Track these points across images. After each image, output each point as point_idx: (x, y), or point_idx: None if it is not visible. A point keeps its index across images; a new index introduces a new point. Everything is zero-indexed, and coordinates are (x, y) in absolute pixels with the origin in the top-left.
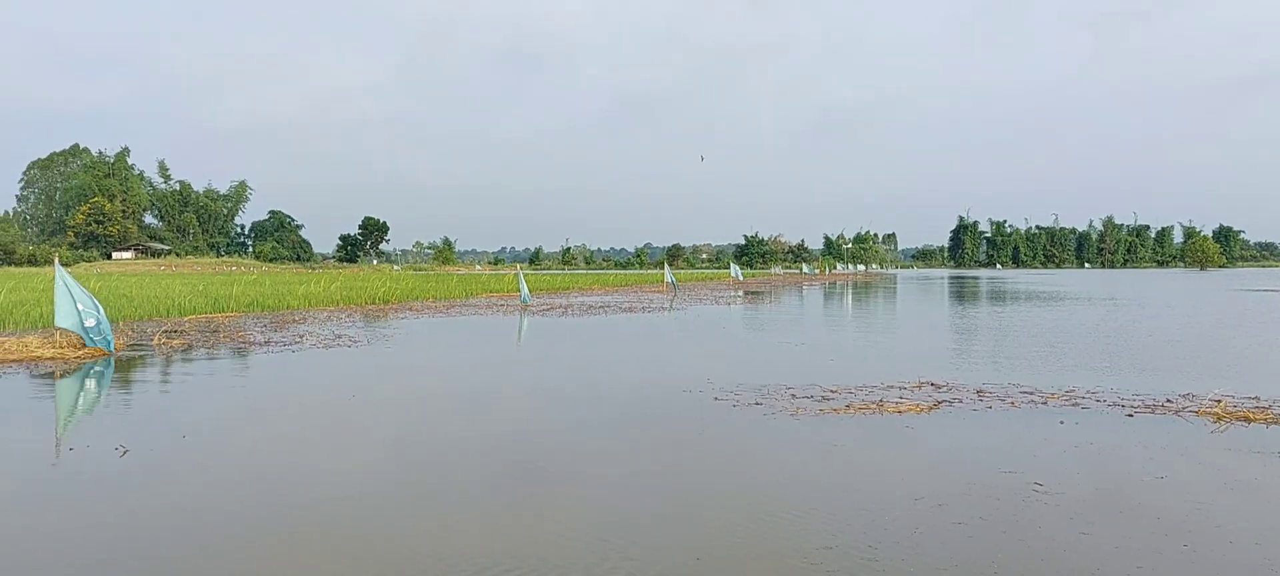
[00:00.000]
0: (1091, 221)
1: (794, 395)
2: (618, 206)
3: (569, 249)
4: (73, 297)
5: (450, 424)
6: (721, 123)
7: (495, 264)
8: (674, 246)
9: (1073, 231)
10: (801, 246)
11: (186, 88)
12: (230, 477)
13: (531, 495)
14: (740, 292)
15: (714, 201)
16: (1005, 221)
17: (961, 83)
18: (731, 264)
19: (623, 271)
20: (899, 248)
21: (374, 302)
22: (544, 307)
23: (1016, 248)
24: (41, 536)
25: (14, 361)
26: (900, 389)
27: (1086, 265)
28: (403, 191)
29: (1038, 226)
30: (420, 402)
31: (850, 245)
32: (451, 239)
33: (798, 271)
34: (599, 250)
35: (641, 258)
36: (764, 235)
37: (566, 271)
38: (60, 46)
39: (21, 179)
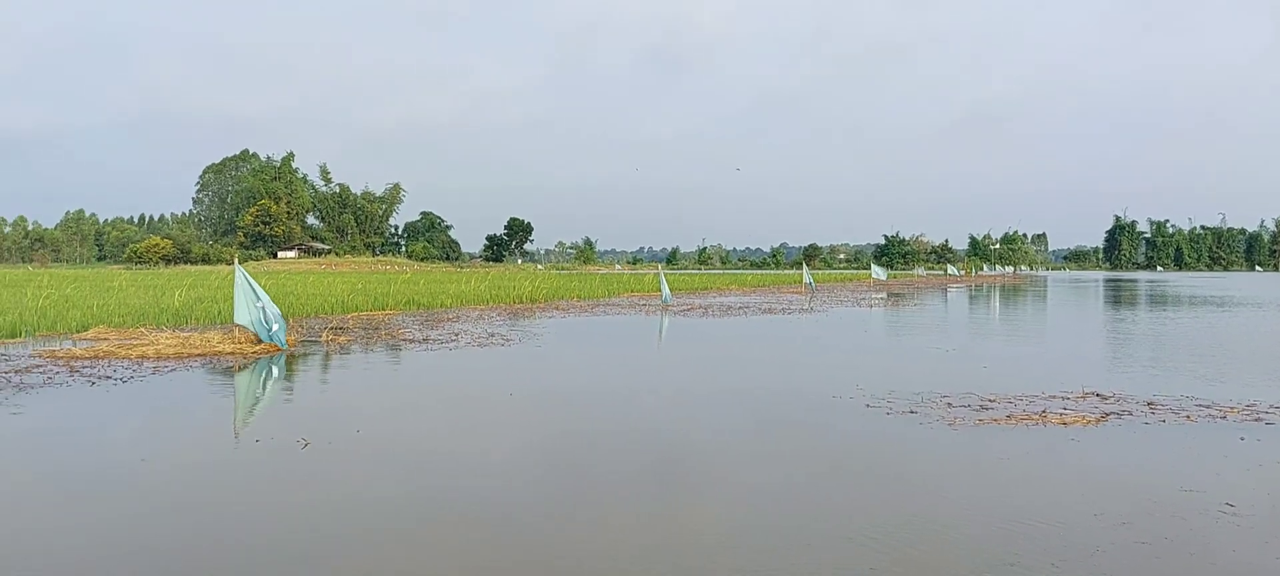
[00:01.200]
0: (1263, 221)
1: (950, 404)
2: (754, 206)
3: (705, 249)
4: (255, 295)
5: (600, 422)
6: (863, 119)
7: (634, 263)
8: (810, 246)
9: (1242, 232)
10: (945, 247)
11: (348, 96)
12: (402, 469)
13: (684, 498)
14: (882, 294)
15: (852, 201)
16: (1166, 221)
17: (1122, 73)
18: (872, 264)
19: (759, 272)
20: (1049, 248)
21: (521, 301)
22: (684, 307)
23: (1179, 249)
24: (245, 520)
25: (199, 356)
26: (1063, 399)
27: (1258, 268)
28: (546, 192)
29: (1203, 226)
30: (571, 400)
31: (997, 245)
32: (592, 239)
33: (941, 272)
34: (734, 250)
35: (778, 258)
36: (905, 235)
37: (703, 271)
38: (235, 59)
39: (197, 183)
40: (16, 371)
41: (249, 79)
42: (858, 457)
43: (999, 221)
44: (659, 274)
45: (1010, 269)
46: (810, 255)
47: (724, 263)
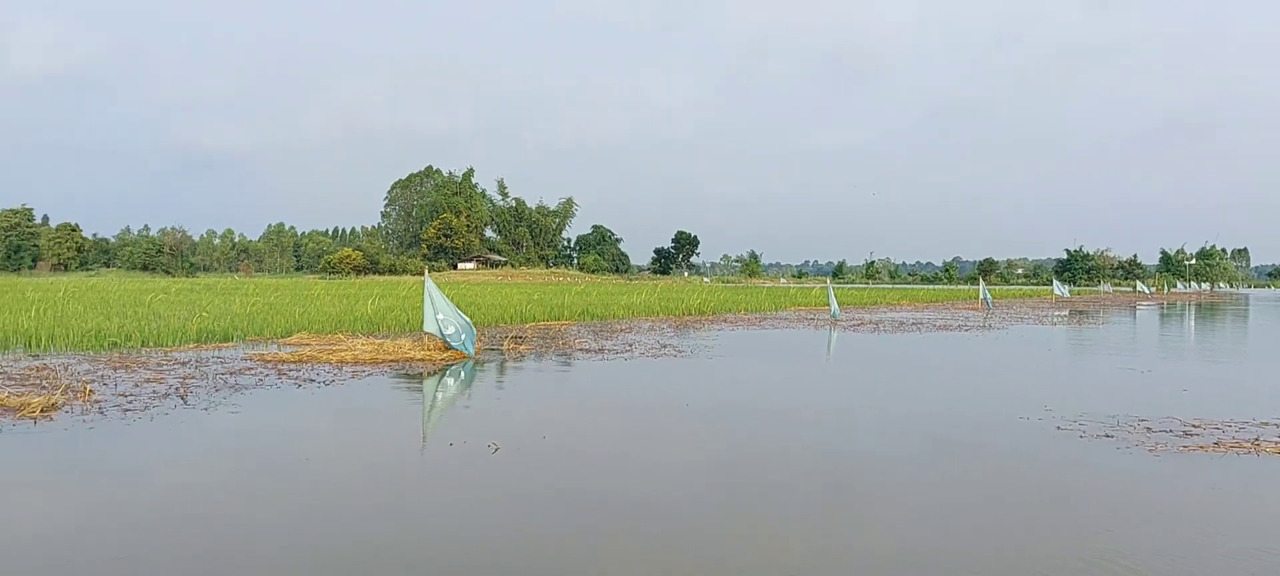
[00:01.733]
0: None
1: (1149, 428)
2: (924, 219)
3: (873, 262)
4: (435, 307)
5: (773, 436)
6: (1046, 129)
7: (799, 276)
8: (986, 261)
9: None
10: (1133, 262)
11: (526, 114)
12: (586, 475)
13: (855, 518)
14: (1064, 312)
15: (1030, 214)
16: None
17: None
18: (1053, 280)
19: (931, 287)
20: (1251, 264)
21: (689, 314)
22: (853, 322)
23: None
24: (447, 517)
25: (392, 361)
26: (1279, 426)
27: None
28: (712, 206)
29: None
30: (744, 413)
31: (1192, 261)
32: (757, 252)
33: (1130, 289)
34: (904, 264)
35: (950, 272)
36: (1089, 249)
37: (871, 286)
38: (422, 80)
39: (386, 198)
40: (232, 373)
41: (434, 99)
42: (1048, 484)
43: (1193, 236)
44: (827, 288)
45: (1206, 286)
46: (986, 270)
47: (893, 277)
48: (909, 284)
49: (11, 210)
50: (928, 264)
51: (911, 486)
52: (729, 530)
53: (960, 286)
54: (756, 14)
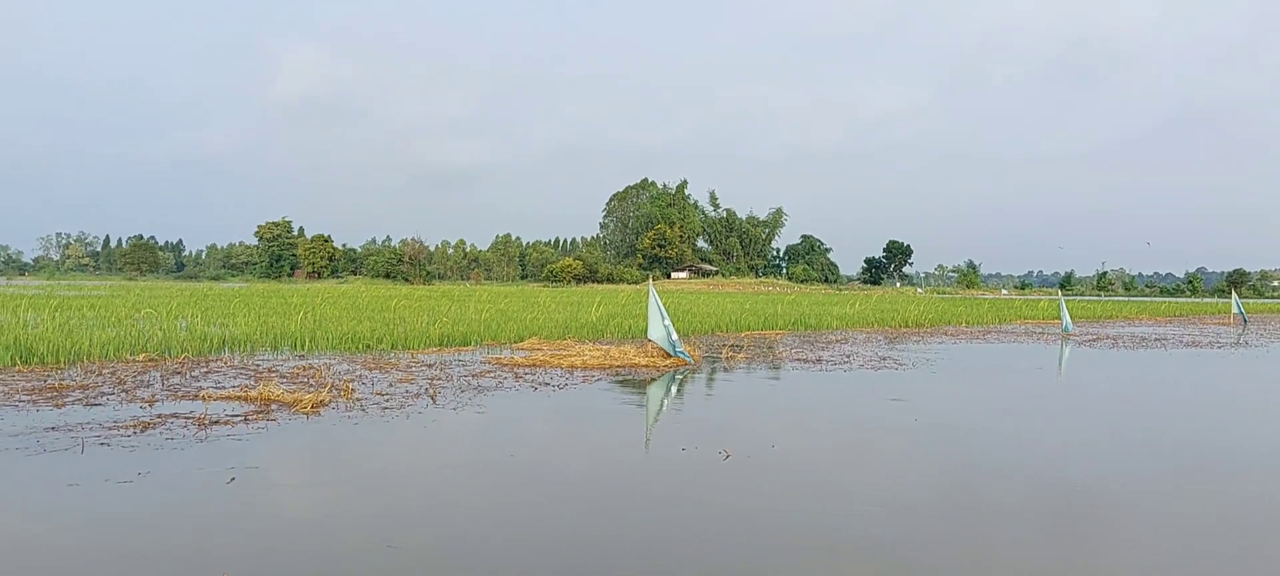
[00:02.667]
0: None
1: None
2: (1162, 228)
3: (1105, 273)
4: (662, 314)
5: (1001, 458)
6: None
7: (1021, 288)
8: (1236, 272)
9: None
10: None
11: (739, 126)
12: (815, 487)
13: (1099, 563)
14: None
15: None
16: None
17: None
18: None
19: (1173, 300)
20: None
21: (905, 326)
22: (1088, 337)
23: None
24: (684, 520)
25: (618, 366)
26: None
27: None
28: (927, 214)
29: None
30: (972, 432)
31: None
32: (975, 262)
33: None
34: (1140, 275)
35: (1195, 284)
36: None
37: (1103, 298)
38: (641, 97)
39: (604, 209)
40: (473, 376)
41: (652, 115)
42: None
43: None
44: (1060, 301)
45: None
46: (1236, 281)
47: (1128, 289)
48: (1145, 296)
49: (274, 222)
50: (1167, 275)
51: (1161, 529)
52: (967, 560)
53: (1206, 299)
54: (981, 18)
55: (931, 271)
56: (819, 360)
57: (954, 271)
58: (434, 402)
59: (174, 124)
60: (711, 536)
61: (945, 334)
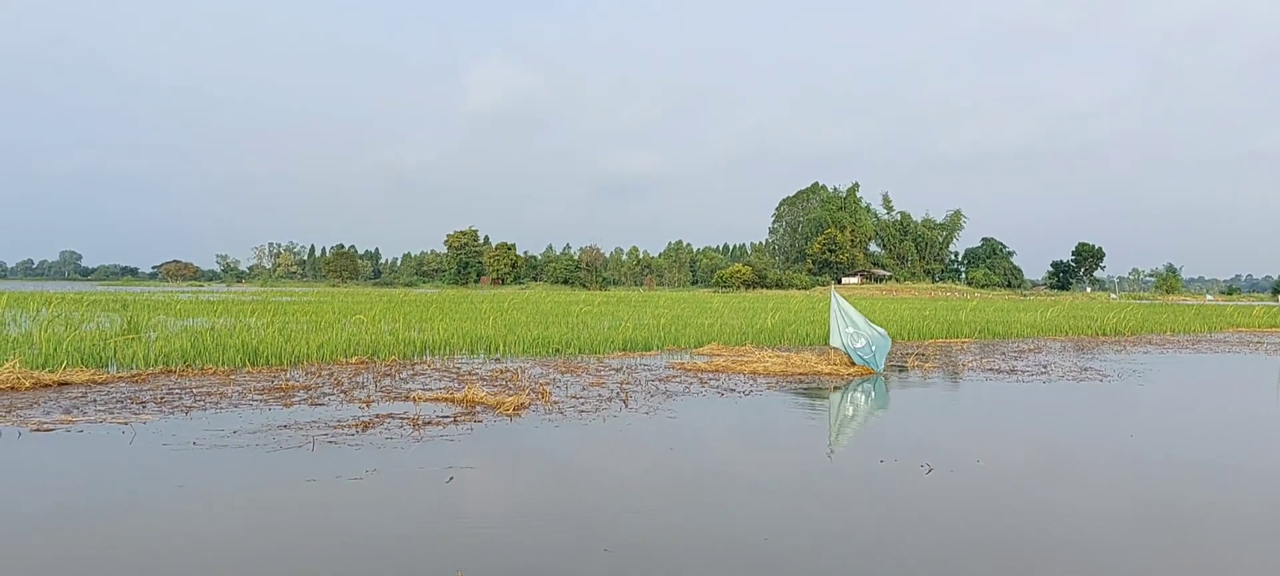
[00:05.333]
0: None
1: None
2: None
3: None
4: (843, 321)
5: (1223, 483)
6: None
7: (1228, 293)
8: None
9: None
10: None
11: (918, 126)
12: (1020, 507)
13: None
14: None
15: None
16: None
17: None
18: None
19: None
20: None
21: (1101, 334)
22: None
23: None
24: (880, 538)
25: (800, 374)
26: None
27: None
28: (1120, 215)
29: None
30: (1191, 449)
31: None
32: (1176, 265)
33: None
34: None
35: None
36: None
37: None
38: (817, 101)
39: (773, 214)
40: (660, 381)
41: (827, 119)
42: None
43: None
44: (1278, 306)
45: None
46: None
47: None
48: None
49: (461, 231)
50: None
51: None
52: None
53: None
54: (1188, 3)
55: (1125, 275)
56: (1013, 370)
57: (1151, 275)
58: (626, 406)
59: (374, 139)
60: (917, 553)
61: (1148, 343)
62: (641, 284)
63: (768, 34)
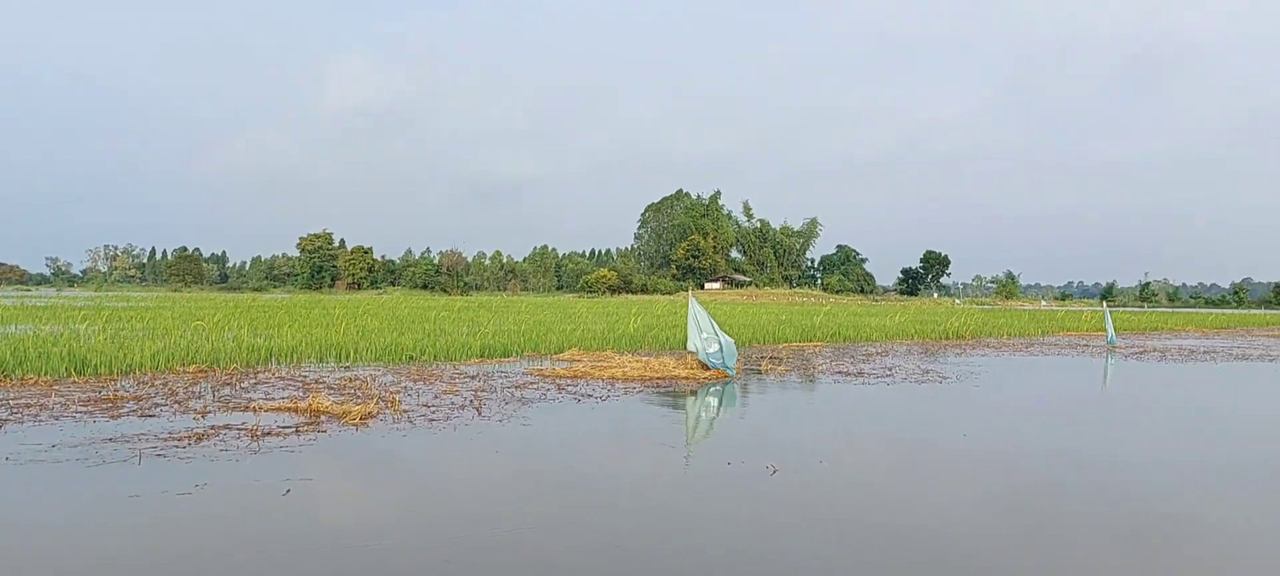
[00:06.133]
0: None
1: None
2: (1207, 237)
3: (1148, 284)
4: (699, 326)
5: (1053, 473)
6: None
7: (1062, 299)
8: None
9: None
10: None
11: (780, 136)
12: (866, 506)
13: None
14: None
15: None
16: None
17: None
18: None
19: (1219, 311)
20: None
21: (944, 337)
22: (1133, 350)
23: None
24: (725, 540)
25: (658, 378)
26: None
27: None
28: (966, 223)
29: None
30: (1022, 447)
31: None
32: (1014, 272)
33: None
34: (1183, 286)
35: (1240, 295)
36: None
37: (1146, 309)
38: (686, 109)
39: (639, 220)
40: (516, 387)
41: (696, 127)
42: None
43: None
44: (1103, 311)
45: None
46: None
47: (1172, 300)
48: (1190, 307)
49: (315, 234)
50: (1212, 285)
51: (1220, 546)
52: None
53: (1253, 311)
54: (1046, 22)
55: (969, 282)
56: (861, 373)
57: (992, 282)
58: (479, 414)
59: (222, 136)
60: (762, 552)
61: (986, 346)
62: (505, 289)
63: (641, 37)
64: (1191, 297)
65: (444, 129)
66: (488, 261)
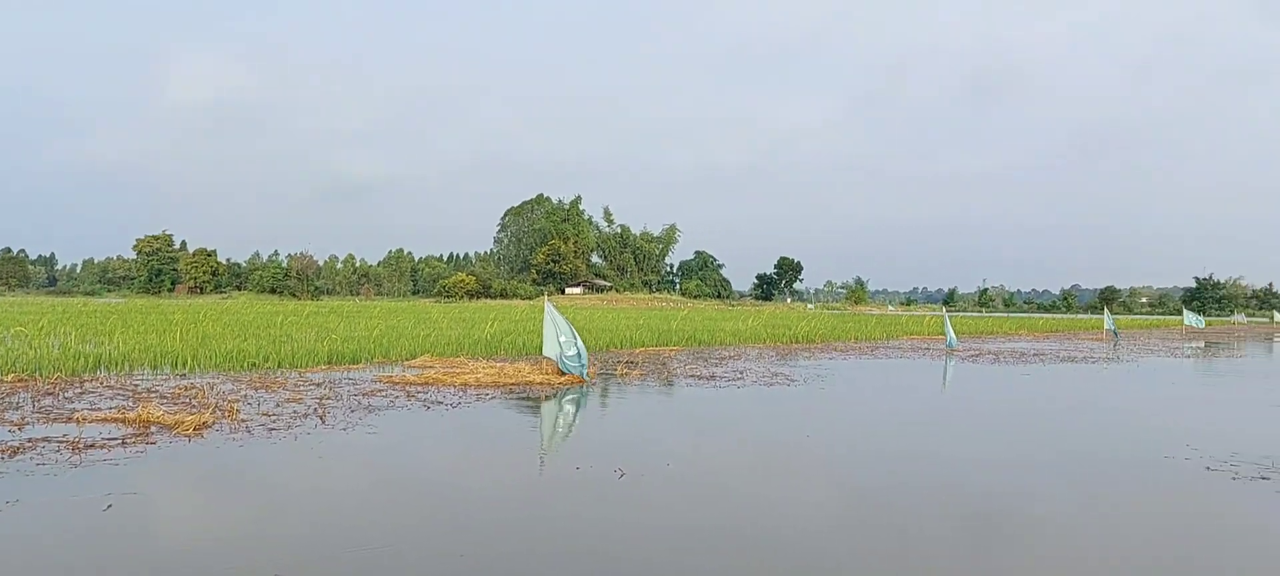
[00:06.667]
0: None
1: None
2: (1041, 245)
3: (986, 290)
4: (557, 330)
5: (894, 470)
6: (1195, 153)
7: (907, 304)
8: (1108, 289)
9: None
10: (1268, 292)
11: (641, 142)
12: (712, 506)
13: (994, 567)
14: (1198, 343)
15: (1154, 240)
16: None
17: None
18: (1184, 310)
19: (1049, 315)
20: None
21: (795, 341)
22: (971, 353)
23: None
24: (573, 544)
25: (513, 384)
26: None
27: None
28: (820, 231)
29: None
30: (865, 447)
31: None
32: (863, 278)
33: (1268, 320)
34: (1018, 292)
35: (1069, 301)
36: (1220, 277)
37: (984, 314)
38: (550, 110)
39: (499, 223)
40: (364, 395)
41: (559, 129)
42: (1206, 530)
43: None
44: (944, 316)
45: None
46: (1108, 298)
47: (1007, 305)
48: (1024, 312)
49: (154, 236)
50: (1044, 292)
51: (1059, 531)
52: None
53: (1080, 315)
54: (898, 36)
55: (821, 287)
56: (712, 377)
57: (843, 287)
58: (323, 423)
59: (54, 131)
60: (607, 555)
61: (835, 349)
62: (358, 294)
63: (504, 38)
64: (1025, 303)
65: (295, 127)
66: (340, 265)
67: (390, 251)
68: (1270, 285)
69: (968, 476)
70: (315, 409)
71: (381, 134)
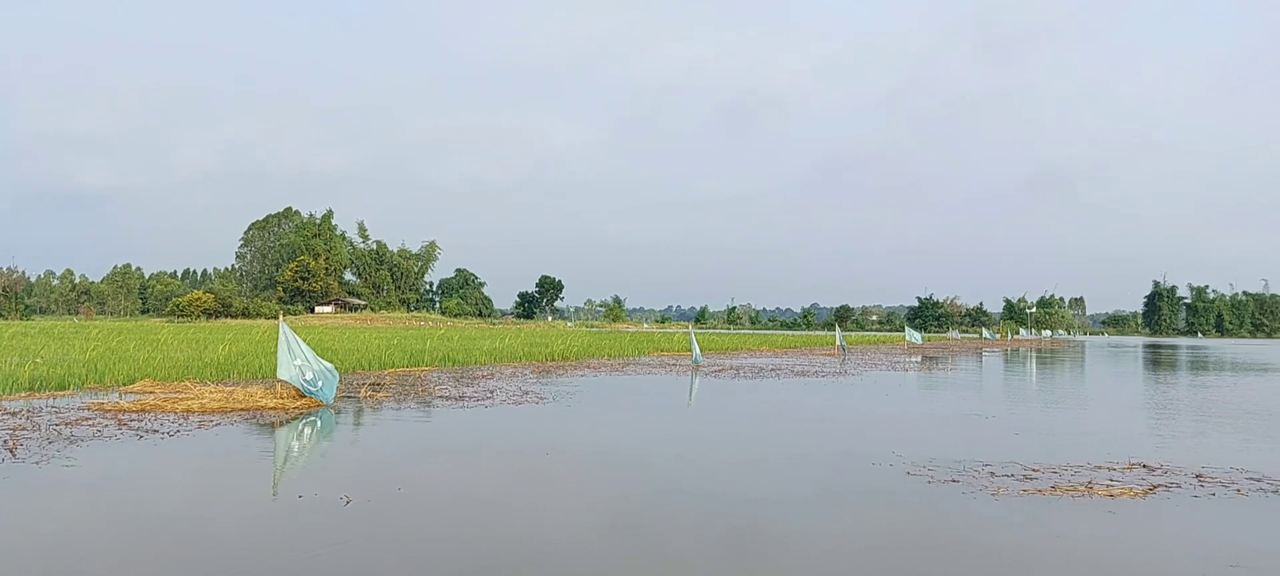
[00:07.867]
0: None
1: (992, 473)
2: (786, 266)
3: (734, 308)
4: (292, 353)
5: (640, 484)
6: (923, 182)
7: (662, 322)
8: (842, 307)
9: None
10: (979, 310)
11: (405, 155)
12: (442, 528)
13: (737, 566)
14: (916, 358)
15: (884, 262)
16: (1207, 287)
17: (1205, 142)
18: (906, 327)
19: (789, 332)
20: (1087, 312)
21: (552, 359)
22: (714, 369)
23: (1220, 315)
24: (293, 569)
25: (242, 410)
26: (1109, 470)
27: None
28: (580, 250)
29: (1245, 293)
30: (607, 463)
31: (1033, 309)
32: (621, 297)
33: (976, 336)
34: (764, 310)
35: (809, 318)
36: (939, 297)
37: (731, 331)
38: (303, 119)
39: (241, 239)
40: (67, 424)
41: (312, 140)
42: (900, 529)
43: (1034, 286)
44: (690, 334)
45: (1047, 333)
46: (842, 316)
47: (753, 323)
48: (769, 329)
49: None
50: (787, 309)
51: (778, 532)
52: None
53: (818, 332)
54: (655, 62)
55: (581, 305)
56: (462, 397)
57: (602, 305)
58: (13, 455)
59: None
60: None
61: (588, 367)
62: (77, 313)
63: (254, 41)
64: (769, 320)
65: (12, 128)
66: (56, 282)
67: (115, 266)
68: (980, 304)
69: (708, 482)
70: (5, 441)
71: (112, 137)
